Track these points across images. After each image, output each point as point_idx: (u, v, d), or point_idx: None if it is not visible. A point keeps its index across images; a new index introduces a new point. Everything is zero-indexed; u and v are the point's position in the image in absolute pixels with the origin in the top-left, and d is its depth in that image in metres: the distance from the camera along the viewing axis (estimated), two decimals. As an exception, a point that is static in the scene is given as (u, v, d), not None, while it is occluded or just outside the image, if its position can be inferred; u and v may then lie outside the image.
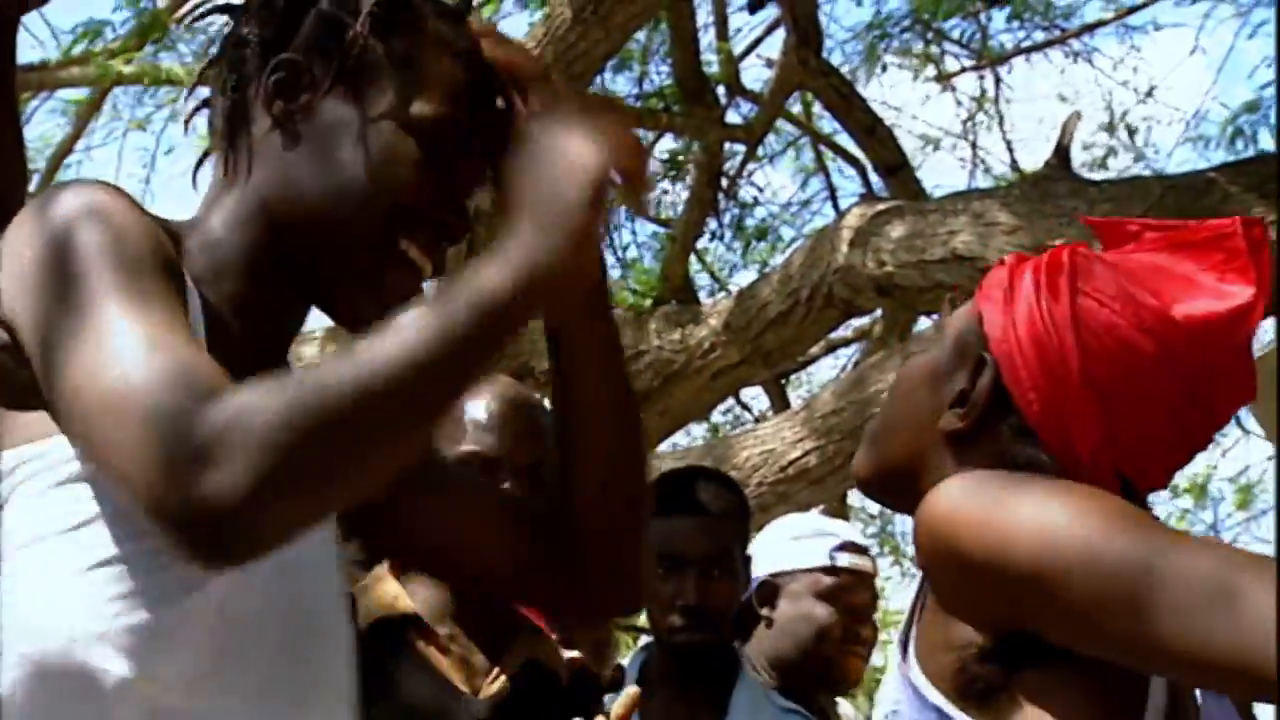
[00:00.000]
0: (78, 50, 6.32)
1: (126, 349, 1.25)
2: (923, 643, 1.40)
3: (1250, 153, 6.57)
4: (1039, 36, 7.38)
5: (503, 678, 2.12)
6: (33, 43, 6.30)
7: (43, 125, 6.97)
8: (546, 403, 2.15)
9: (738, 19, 6.86)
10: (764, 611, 3.14)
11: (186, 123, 1.56)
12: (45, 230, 1.35)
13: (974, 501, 1.32)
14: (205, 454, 1.15)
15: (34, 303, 1.32)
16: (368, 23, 1.45)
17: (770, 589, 3.14)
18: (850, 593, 3.12)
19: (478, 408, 2.19)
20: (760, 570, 3.09)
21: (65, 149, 7.00)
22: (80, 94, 6.80)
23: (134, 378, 1.22)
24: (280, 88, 1.45)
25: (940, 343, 1.53)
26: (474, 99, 1.48)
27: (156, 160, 7.43)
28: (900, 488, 1.51)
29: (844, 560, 3.12)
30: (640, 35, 6.25)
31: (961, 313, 1.51)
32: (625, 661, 3.17)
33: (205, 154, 1.53)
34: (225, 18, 1.57)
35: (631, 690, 2.18)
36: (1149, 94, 7.84)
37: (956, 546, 1.31)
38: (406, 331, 1.24)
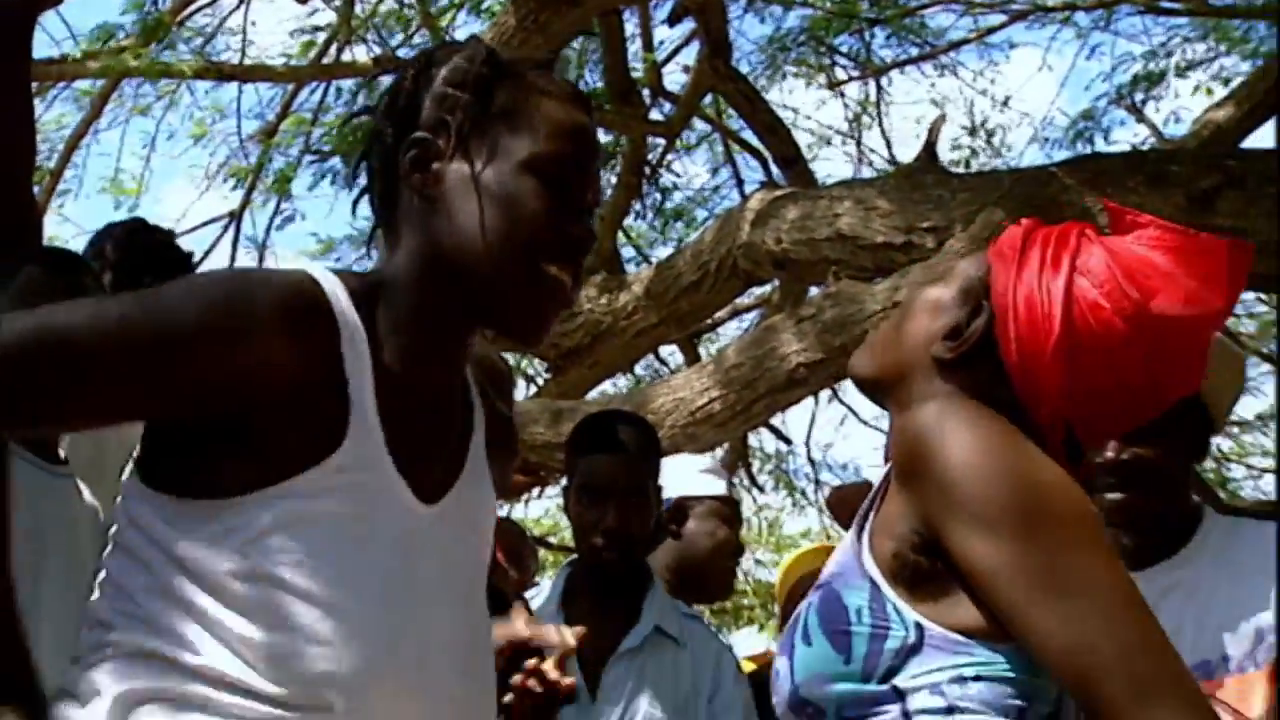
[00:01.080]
0: (92, 46, 6.22)
1: None
2: (876, 527, 1.40)
3: (1087, 151, 6.62)
4: (913, 52, 7.40)
5: None
6: (51, 40, 6.23)
7: (61, 110, 6.85)
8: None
9: (660, 32, 6.84)
10: (673, 527, 3.23)
11: (354, 208, 1.57)
12: None
13: (958, 426, 1.34)
14: None
15: None
16: (473, 90, 1.46)
17: (681, 509, 3.24)
18: (737, 520, 3.30)
19: None
20: (669, 493, 3.16)
21: (81, 132, 6.87)
22: (93, 85, 6.66)
23: None
24: (415, 164, 1.47)
25: (950, 280, 1.54)
26: (573, 130, 1.48)
27: (156, 142, 7.36)
28: (885, 390, 1.55)
29: (734, 494, 3.31)
30: (577, 44, 6.21)
31: (973, 261, 1.54)
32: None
33: (373, 230, 1.57)
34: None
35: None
36: (1005, 102, 7.95)
37: (927, 450, 1.33)
38: None
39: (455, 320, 1.49)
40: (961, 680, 1.31)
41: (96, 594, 1.40)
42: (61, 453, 2.72)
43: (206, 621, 1.32)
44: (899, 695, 1.31)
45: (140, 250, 3.16)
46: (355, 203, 1.57)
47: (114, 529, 1.41)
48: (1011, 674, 1.32)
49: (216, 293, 1.35)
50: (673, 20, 6.25)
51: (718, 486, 3.36)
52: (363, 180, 1.56)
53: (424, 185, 1.47)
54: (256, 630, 1.31)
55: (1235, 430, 8.98)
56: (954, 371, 1.46)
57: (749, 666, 3.70)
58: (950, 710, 1.30)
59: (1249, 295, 7.85)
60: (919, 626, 1.32)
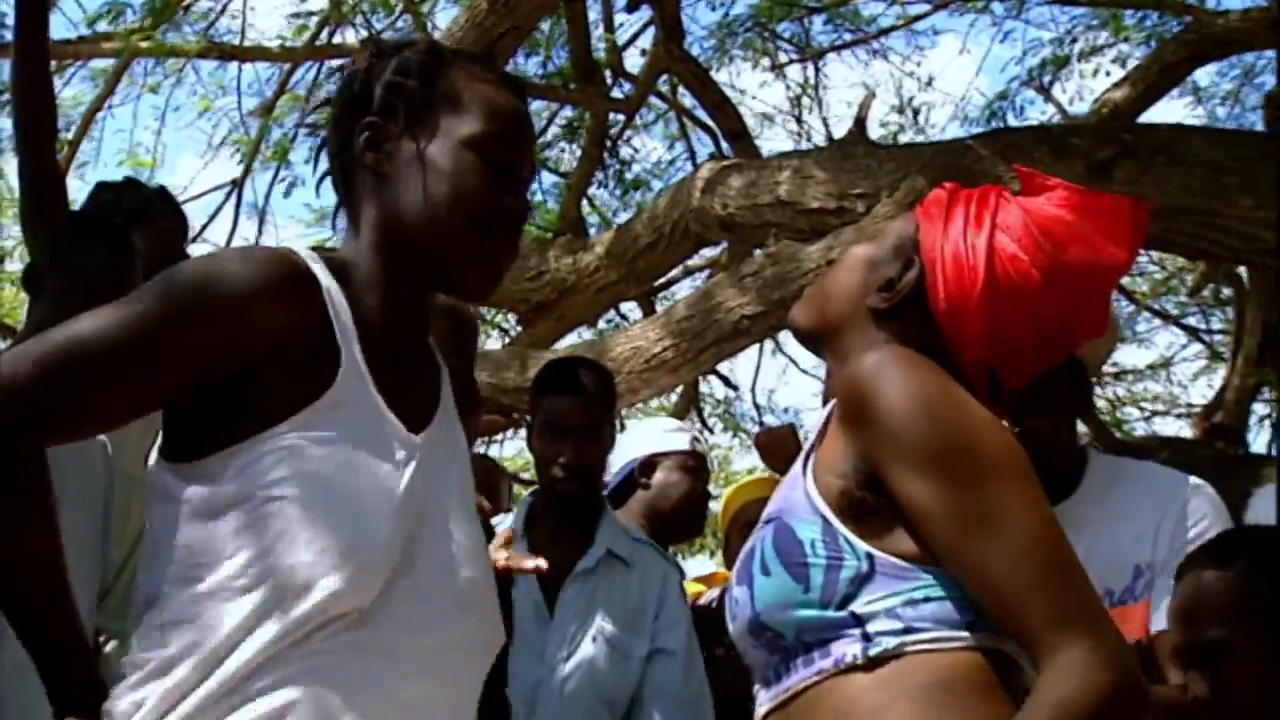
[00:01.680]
0: (102, 25, 6.15)
1: None
2: (819, 465, 1.39)
3: (1000, 126, 6.64)
4: (848, 37, 7.36)
5: None
6: (69, 22, 6.13)
7: (77, 88, 6.75)
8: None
9: (620, 17, 6.78)
10: (643, 480, 3.28)
11: (317, 187, 1.58)
12: None
13: (893, 371, 1.32)
14: None
15: None
16: (417, 77, 1.48)
17: (650, 463, 3.29)
18: (702, 470, 3.34)
19: None
20: (640, 451, 3.29)
21: (95, 107, 6.76)
22: (107, 64, 6.56)
23: None
24: (369, 144, 1.48)
25: (882, 239, 1.52)
26: (508, 112, 1.49)
27: (166, 117, 7.30)
28: (823, 340, 1.53)
29: (699, 448, 3.36)
30: (545, 27, 6.16)
31: (903, 221, 1.52)
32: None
33: (336, 208, 1.56)
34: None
35: (504, 530, 2.23)
36: (929, 83, 7.96)
37: (870, 394, 1.32)
38: None
39: (412, 282, 1.50)
40: (914, 603, 1.30)
41: (143, 569, 1.41)
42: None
43: (234, 561, 1.32)
44: (857, 620, 1.30)
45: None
46: (318, 184, 1.57)
47: (147, 511, 1.42)
48: (958, 593, 1.31)
49: (201, 280, 1.37)
50: (631, 7, 6.21)
51: (682, 442, 3.38)
52: (324, 165, 1.57)
53: (377, 164, 1.48)
54: (277, 552, 1.31)
55: (1129, 378, 9.05)
56: (888, 321, 1.46)
57: (699, 587, 3.78)
58: (907, 630, 1.29)
59: (1142, 257, 7.91)
60: (870, 556, 1.31)
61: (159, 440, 1.44)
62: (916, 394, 1.30)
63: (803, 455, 1.45)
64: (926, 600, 1.30)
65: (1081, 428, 3.73)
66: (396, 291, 1.49)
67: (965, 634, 1.30)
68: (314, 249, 1.49)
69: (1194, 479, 2.48)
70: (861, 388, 1.33)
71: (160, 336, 1.34)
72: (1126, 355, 8.98)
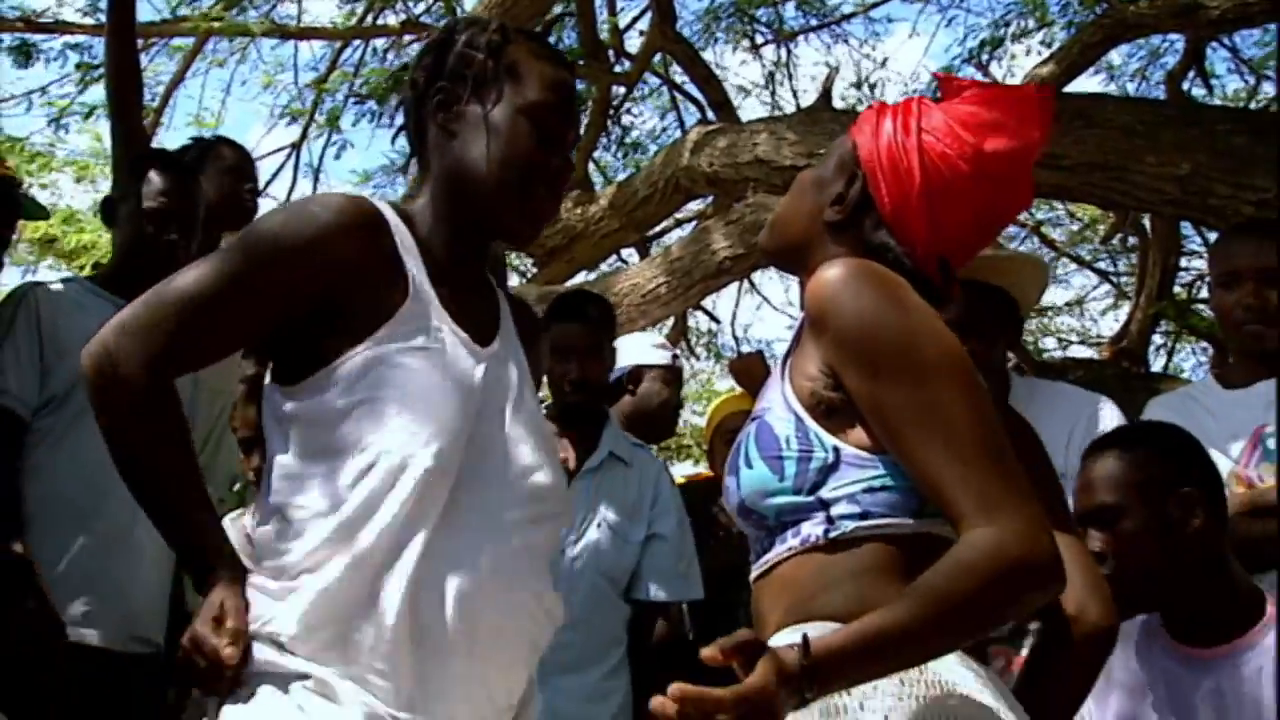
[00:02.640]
0: (182, 9, 6.10)
1: None
2: (794, 369, 1.35)
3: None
4: (814, 22, 7.27)
5: None
6: (152, 7, 6.05)
7: (158, 63, 6.63)
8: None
9: (621, 2, 6.74)
10: (630, 387, 3.34)
11: (393, 139, 1.63)
12: None
13: (847, 282, 1.28)
14: None
15: None
16: (485, 52, 1.47)
17: (637, 374, 3.36)
18: (678, 383, 3.46)
19: None
20: (628, 362, 3.30)
21: (175, 81, 6.66)
22: (184, 42, 6.46)
23: None
24: (440, 106, 1.47)
25: (825, 162, 1.48)
26: (558, 85, 1.48)
27: (231, 88, 7.44)
28: (792, 258, 1.49)
29: (677, 364, 3.44)
30: (559, 9, 6.08)
31: (840, 141, 1.47)
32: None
33: (409, 158, 1.57)
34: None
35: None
36: (883, 63, 7.98)
37: (827, 304, 1.28)
38: None
39: (468, 223, 1.50)
40: (871, 490, 1.27)
41: (268, 480, 1.42)
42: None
43: (340, 454, 1.34)
44: (823, 505, 1.28)
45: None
46: (394, 136, 1.63)
47: (266, 427, 1.44)
48: (907, 482, 1.28)
49: (286, 223, 1.39)
50: (632, -9, 6.16)
51: (664, 357, 3.43)
52: (400, 120, 1.57)
53: (446, 122, 1.48)
54: (378, 444, 1.33)
55: (1049, 314, 9.03)
56: (844, 232, 1.41)
57: (681, 481, 3.80)
58: (864, 515, 1.27)
59: (1060, 210, 7.86)
60: (836, 449, 1.29)
61: (269, 366, 1.47)
62: (866, 304, 1.26)
63: (781, 360, 1.43)
64: (883, 488, 1.27)
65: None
66: (456, 230, 1.49)
67: (910, 521, 1.27)
68: (384, 199, 1.52)
69: (1099, 396, 2.47)
70: (819, 300, 1.29)
71: (255, 274, 1.37)
72: (1047, 295, 8.93)
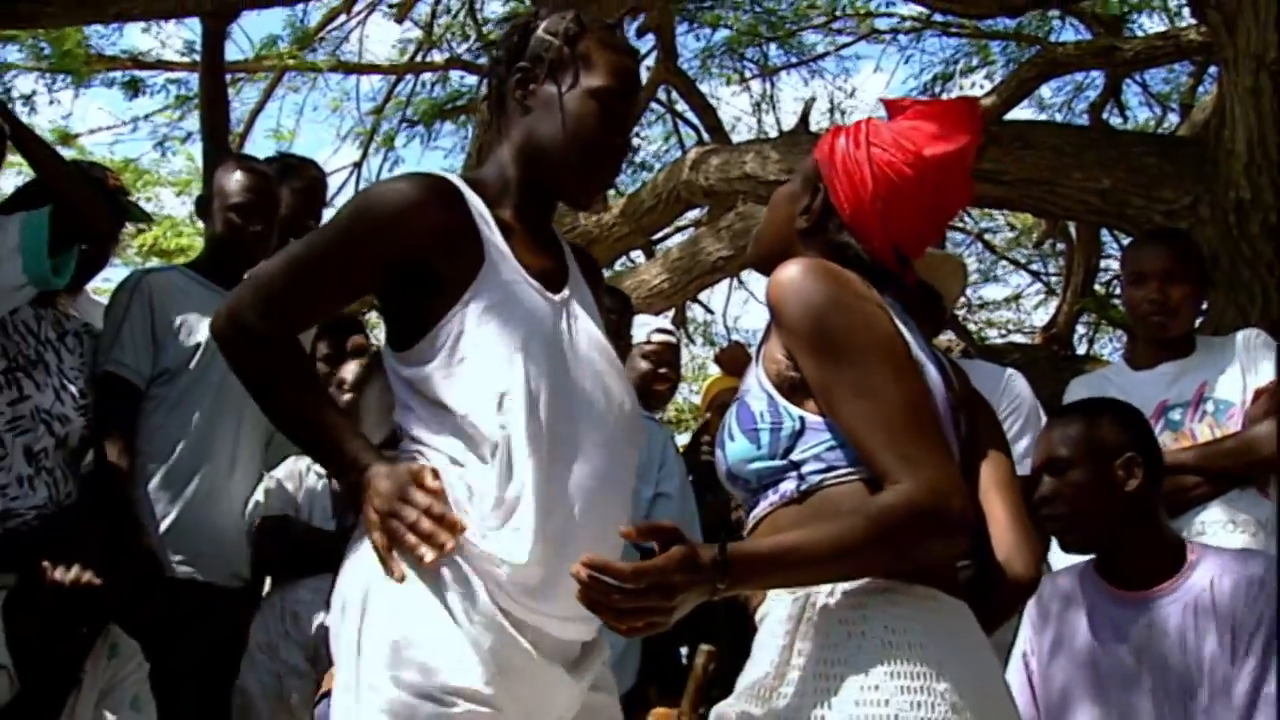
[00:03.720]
0: (263, 51, 6.11)
1: None
2: (765, 355, 1.35)
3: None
4: (794, 60, 7.24)
5: None
6: (237, 47, 6.04)
7: (243, 94, 6.63)
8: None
9: (632, 42, 6.64)
10: None
11: (483, 104, 1.57)
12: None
13: (796, 280, 1.27)
14: None
15: None
16: (562, 38, 1.43)
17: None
18: (658, 354, 3.15)
19: None
20: (638, 339, 3.16)
21: (257, 109, 6.68)
22: (266, 76, 6.47)
23: None
24: (519, 83, 1.44)
25: (794, 180, 1.46)
26: (624, 72, 1.45)
27: (304, 113, 7.42)
28: (774, 264, 1.43)
29: (657, 338, 3.17)
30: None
31: (805, 161, 1.46)
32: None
33: (485, 126, 1.55)
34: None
35: None
36: (852, 94, 7.96)
37: (781, 298, 1.28)
38: None
39: (538, 189, 1.47)
40: (832, 448, 1.27)
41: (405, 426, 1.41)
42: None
43: (451, 403, 1.34)
44: (795, 465, 1.28)
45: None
46: (483, 102, 1.56)
47: (394, 387, 1.43)
48: None
49: (374, 198, 1.38)
50: (639, 34, 6.12)
51: (642, 334, 3.30)
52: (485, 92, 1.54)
53: (523, 99, 1.45)
54: (476, 391, 1.32)
55: (990, 308, 9.01)
56: (813, 237, 1.40)
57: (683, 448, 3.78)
58: (829, 469, 1.26)
59: (999, 219, 7.84)
60: (801, 418, 1.28)
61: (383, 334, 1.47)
62: (812, 298, 1.26)
63: (756, 348, 1.43)
64: (841, 445, 1.27)
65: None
66: (526, 192, 1.46)
67: (864, 469, 1.26)
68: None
69: (1008, 369, 2.48)
70: (775, 296, 1.29)
71: (350, 240, 1.37)
72: (988, 291, 8.94)
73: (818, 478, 1.27)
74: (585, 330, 1.44)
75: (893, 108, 1.43)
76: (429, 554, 1.27)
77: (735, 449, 1.31)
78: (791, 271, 1.28)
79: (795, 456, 1.28)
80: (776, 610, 1.27)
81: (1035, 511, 1.90)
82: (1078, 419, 1.91)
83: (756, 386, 1.33)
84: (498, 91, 1.49)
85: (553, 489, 1.32)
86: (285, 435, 1.44)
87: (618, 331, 2.79)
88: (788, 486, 1.28)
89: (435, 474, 1.32)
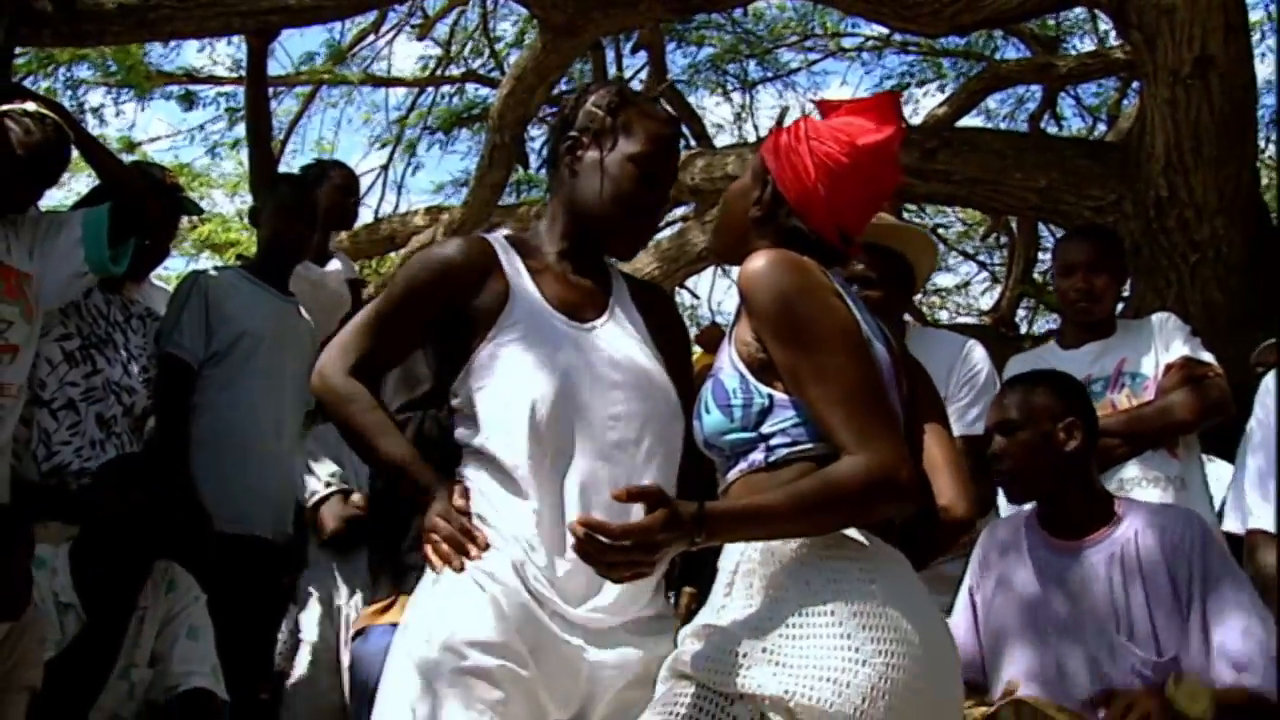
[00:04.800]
0: (302, 66, 6.08)
1: None
2: (736, 337, 1.33)
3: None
4: (770, 74, 7.18)
5: None
6: (278, 63, 6.00)
7: (285, 105, 6.60)
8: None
9: (626, 59, 6.60)
10: None
11: (539, 168, 1.59)
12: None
13: (764, 271, 1.27)
14: None
15: None
16: (605, 110, 1.45)
17: None
18: None
19: None
20: None
21: (296, 118, 6.66)
22: (303, 89, 6.42)
23: None
24: (568, 150, 1.45)
25: (745, 175, 1.44)
26: (661, 139, 1.45)
27: (340, 123, 7.34)
28: (734, 253, 1.43)
29: None
30: (578, 62, 6.03)
31: (754, 158, 1.44)
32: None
33: (548, 189, 1.54)
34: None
35: None
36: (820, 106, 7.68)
37: (751, 288, 1.27)
38: None
39: (584, 241, 1.48)
40: (798, 424, 1.27)
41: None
42: (291, 289, 2.70)
43: (482, 418, 1.39)
44: (764, 438, 1.28)
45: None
46: (539, 168, 1.59)
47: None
48: None
49: (423, 260, 1.44)
50: (633, 51, 6.11)
51: None
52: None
53: (571, 164, 1.46)
54: (504, 413, 1.37)
55: (943, 294, 9.01)
56: (765, 225, 1.38)
57: None
58: (794, 443, 1.26)
59: (950, 214, 7.83)
60: (770, 395, 1.28)
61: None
62: (778, 287, 1.25)
63: (729, 330, 1.42)
64: (805, 422, 1.27)
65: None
66: (570, 242, 1.48)
67: (824, 444, 1.26)
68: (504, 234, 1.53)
69: (969, 338, 2.48)
70: (745, 284, 1.28)
71: (406, 298, 1.43)
72: (940, 280, 8.89)
73: (784, 450, 1.27)
74: (611, 354, 1.43)
75: (826, 107, 1.42)
76: (455, 563, 1.36)
77: (711, 421, 1.31)
78: (760, 263, 1.28)
79: (764, 430, 1.28)
80: (730, 550, 1.30)
81: (987, 466, 1.92)
82: (1027, 386, 1.93)
83: (729, 365, 1.32)
84: (552, 156, 1.50)
85: (555, 499, 1.36)
86: (368, 465, 1.56)
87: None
88: (757, 456, 1.28)
89: (465, 493, 1.39)
